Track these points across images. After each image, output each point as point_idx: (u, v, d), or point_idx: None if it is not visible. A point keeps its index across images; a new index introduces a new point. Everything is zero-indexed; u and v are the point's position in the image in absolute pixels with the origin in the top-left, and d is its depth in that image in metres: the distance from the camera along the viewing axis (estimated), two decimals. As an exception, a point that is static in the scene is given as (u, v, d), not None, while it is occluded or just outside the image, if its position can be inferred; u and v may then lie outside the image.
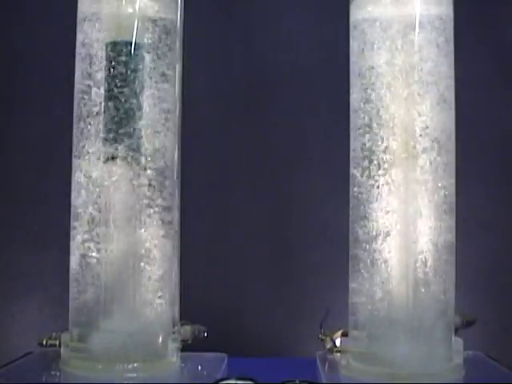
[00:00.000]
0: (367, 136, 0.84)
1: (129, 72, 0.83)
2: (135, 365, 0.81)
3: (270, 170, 1.17)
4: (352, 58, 0.86)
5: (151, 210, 0.83)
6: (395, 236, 0.82)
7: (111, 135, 0.82)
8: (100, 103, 0.83)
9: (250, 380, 0.78)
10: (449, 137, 0.84)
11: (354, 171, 0.85)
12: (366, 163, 0.84)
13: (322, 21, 1.16)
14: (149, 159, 0.83)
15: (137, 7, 0.83)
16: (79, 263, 0.83)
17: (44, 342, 0.85)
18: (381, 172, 0.82)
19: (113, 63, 0.83)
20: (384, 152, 0.82)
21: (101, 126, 0.83)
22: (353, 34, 0.86)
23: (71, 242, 0.84)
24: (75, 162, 0.85)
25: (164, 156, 0.84)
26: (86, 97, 0.84)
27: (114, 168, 0.82)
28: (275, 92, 1.18)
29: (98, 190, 0.83)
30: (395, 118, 0.82)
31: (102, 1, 0.84)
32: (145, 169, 0.83)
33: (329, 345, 0.87)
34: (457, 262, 0.84)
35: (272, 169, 1.17)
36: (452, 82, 0.84)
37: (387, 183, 0.82)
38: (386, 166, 0.82)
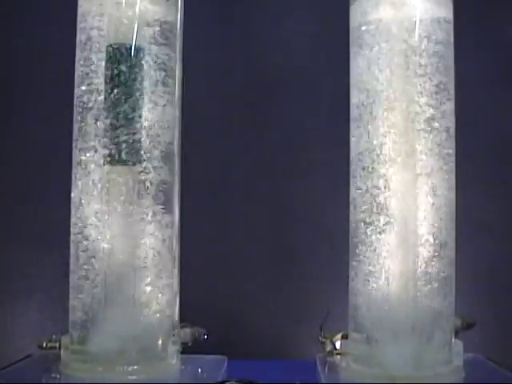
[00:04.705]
0: (367, 137, 0.84)
1: (129, 74, 0.82)
2: (135, 367, 0.81)
3: (270, 171, 1.17)
4: (352, 61, 0.86)
5: (151, 211, 0.83)
6: (395, 239, 0.81)
7: (111, 136, 0.82)
8: (100, 105, 0.83)
9: (250, 382, 0.78)
10: (449, 137, 0.84)
11: (354, 172, 0.85)
12: (366, 164, 0.84)
13: (322, 23, 1.16)
14: (149, 161, 0.83)
15: (137, 10, 0.83)
16: (79, 265, 0.83)
17: (44, 345, 0.85)
18: (380, 173, 0.82)
19: (113, 65, 0.83)
20: (383, 153, 0.82)
21: (101, 127, 0.83)
22: (353, 36, 0.86)
23: (71, 244, 0.84)
24: (75, 161, 0.85)
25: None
26: (85, 98, 0.84)
27: (115, 168, 0.82)
28: (275, 94, 1.18)
29: (97, 189, 0.83)
30: (395, 119, 0.82)
31: (102, 3, 0.84)
32: (144, 168, 0.83)
33: (329, 347, 0.87)
34: (457, 263, 0.84)
35: (272, 170, 1.17)
36: (452, 83, 0.85)
37: (386, 185, 0.82)
38: (385, 167, 0.82)
